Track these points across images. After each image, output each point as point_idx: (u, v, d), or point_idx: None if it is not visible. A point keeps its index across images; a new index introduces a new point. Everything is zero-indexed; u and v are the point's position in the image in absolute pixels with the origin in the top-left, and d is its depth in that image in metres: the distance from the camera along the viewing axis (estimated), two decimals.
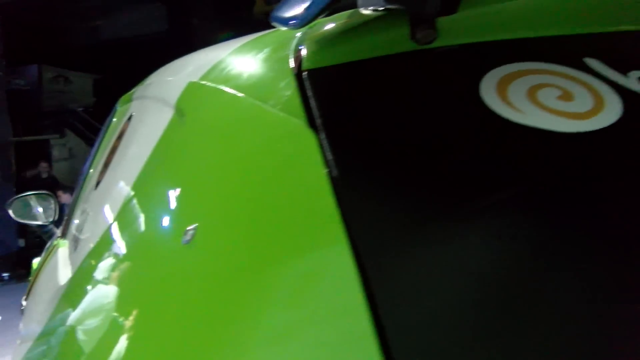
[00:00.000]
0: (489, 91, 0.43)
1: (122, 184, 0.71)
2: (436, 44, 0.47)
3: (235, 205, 0.43)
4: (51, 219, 2.23)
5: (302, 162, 0.40)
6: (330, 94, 0.45)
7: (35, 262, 2.71)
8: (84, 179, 1.46)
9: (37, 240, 7.00)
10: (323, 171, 0.38)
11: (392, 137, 0.42)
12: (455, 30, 0.48)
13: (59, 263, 1.11)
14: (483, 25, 0.49)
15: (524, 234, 0.36)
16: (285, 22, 0.46)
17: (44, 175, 7.25)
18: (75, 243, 0.96)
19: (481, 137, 0.42)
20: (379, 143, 0.41)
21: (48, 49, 10.93)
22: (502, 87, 0.43)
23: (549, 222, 0.36)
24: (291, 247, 0.37)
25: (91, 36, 11.94)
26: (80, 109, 10.80)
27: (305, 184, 0.39)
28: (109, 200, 0.76)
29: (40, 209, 2.28)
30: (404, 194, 0.38)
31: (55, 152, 10.20)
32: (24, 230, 7.00)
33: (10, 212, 2.17)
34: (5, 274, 6.39)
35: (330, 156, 0.38)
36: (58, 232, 2.08)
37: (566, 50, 0.48)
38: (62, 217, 2.34)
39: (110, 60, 11.10)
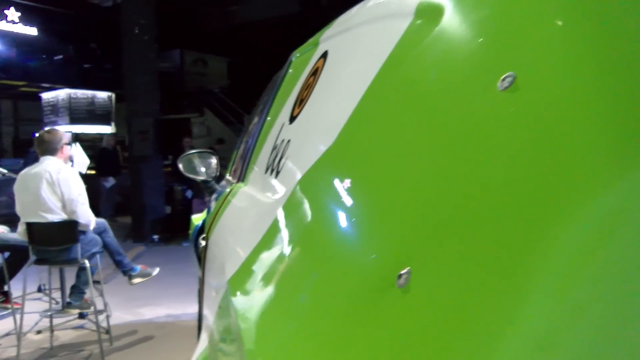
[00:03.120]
0: None
1: (346, 96, 0.74)
2: None
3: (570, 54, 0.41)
4: (213, 175, 2.41)
5: None
6: None
7: (195, 217, 2.96)
8: (262, 125, 1.55)
9: (181, 208, 7.66)
10: None
11: None
12: None
13: (253, 195, 1.20)
14: None
15: None
16: None
17: (187, 150, 7.88)
18: (275, 171, 1.03)
19: None
20: None
21: (188, 33, 11.79)
22: None
23: None
24: None
25: (226, 20, 12.67)
26: (217, 90, 11.56)
27: None
28: (329, 115, 0.80)
29: (203, 168, 2.47)
30: None
31: (195, 130, 11.05)
32: (170, 198, 7.69)
33: (180, 166, 2.39)
34: (155, 236, 7.10)
35: None
36: (220, 185, 2.25)
37: None
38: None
39: (243, 44, 11.70)
